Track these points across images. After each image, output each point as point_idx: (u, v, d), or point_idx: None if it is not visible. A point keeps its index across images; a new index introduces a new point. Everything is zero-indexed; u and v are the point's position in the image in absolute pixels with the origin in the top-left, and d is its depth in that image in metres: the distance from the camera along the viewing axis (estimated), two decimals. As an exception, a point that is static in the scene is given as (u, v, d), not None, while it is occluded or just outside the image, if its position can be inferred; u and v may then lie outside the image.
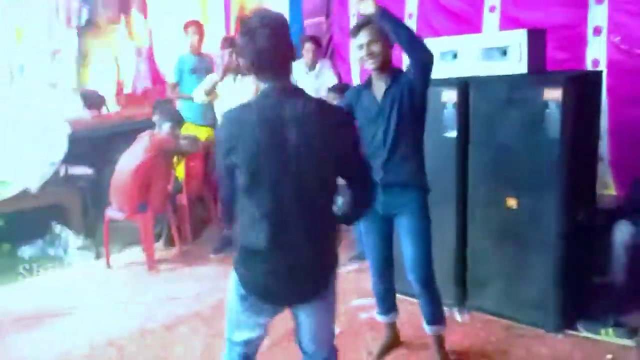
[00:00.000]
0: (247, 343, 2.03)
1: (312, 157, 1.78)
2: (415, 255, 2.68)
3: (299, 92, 1.86)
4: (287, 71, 1.85)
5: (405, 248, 2.71)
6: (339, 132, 1.87)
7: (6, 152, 4.69)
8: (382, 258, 2.83)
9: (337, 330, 3.18)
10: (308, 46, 5.46)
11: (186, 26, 5.43)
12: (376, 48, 2.57)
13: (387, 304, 2.98)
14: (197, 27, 5.42)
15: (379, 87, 2.66)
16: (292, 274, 1.86)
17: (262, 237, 1.81)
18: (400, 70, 2.71)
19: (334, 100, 5.01)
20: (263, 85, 1.84)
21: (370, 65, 2.62)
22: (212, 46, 6.58)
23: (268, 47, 1.76)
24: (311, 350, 2.09)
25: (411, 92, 2.58)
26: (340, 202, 2.04)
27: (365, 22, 2.59)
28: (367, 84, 2.73)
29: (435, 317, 2.83)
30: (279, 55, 1.80)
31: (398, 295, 3.04)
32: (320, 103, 1.92)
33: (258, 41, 1.75)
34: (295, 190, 1.79)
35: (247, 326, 1.99)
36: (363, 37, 2.58)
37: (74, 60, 5.59)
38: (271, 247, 1.82)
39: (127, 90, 6.20)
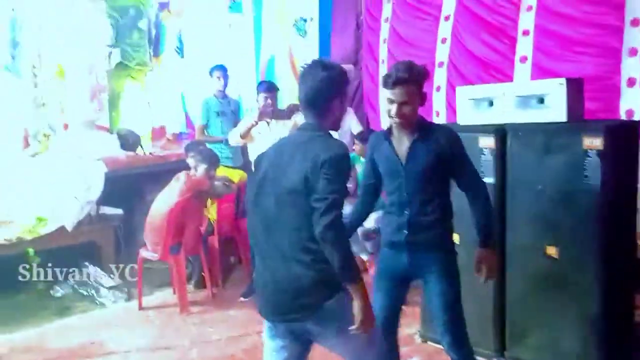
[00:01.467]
0: None
1: (289, 180, 2.01)
2: (445, 320, 2.55)
3: (307, 132, 2.11)
4: (311, 115, 2.11)
5: (436, 311, 2.58)
6: (314, 160, 1.98)
7: (45, 189, 4.78)
8: (385, 319, 2.59)
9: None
10: None
11: (211, 70, 5.56)
12: (407, 110, 2.45)
13: None
14: (222, 71, 5.53)
15: (401, 139, 2.56)
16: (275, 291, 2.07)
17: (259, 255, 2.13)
18: (429, 124, 2.61)
19: (358, 146, 5.08)
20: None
21: (395, 123, 2.51)
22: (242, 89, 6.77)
23: (304, 91, 2.09)
24: None
25: (443, 159, 2.48)
26: None
27: (403, 79, 2.44)
28: (388, 133, 2.62)
29: None
30: (309, 98, 2.09)
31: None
32: (317, 137, 2.08)
33: (300, 85, 2.11)
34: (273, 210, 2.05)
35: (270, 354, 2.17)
36: (398, 95, 2.44)
37: (106, 102, 5.73)
38: (261, 265, 2.12)
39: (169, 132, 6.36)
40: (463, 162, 2.57)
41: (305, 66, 2.14)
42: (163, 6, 6.22)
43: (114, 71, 5.77)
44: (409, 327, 3.67)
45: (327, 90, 2.07)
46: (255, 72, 6.99)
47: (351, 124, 5.60)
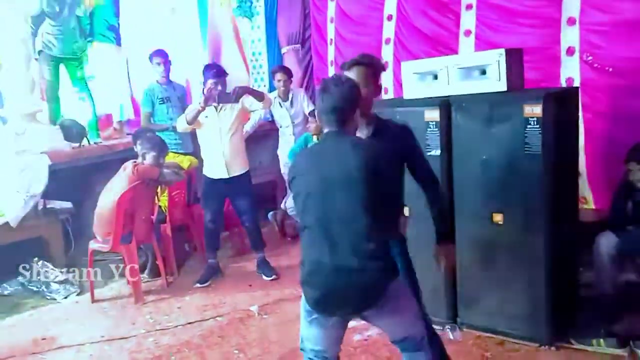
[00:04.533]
0: (317, 353, 2.28)
1: (345, 183, 2.13)
2: None
3: (343, 136, 2.25)
4: (338, 123, 2.25)
5: None
6: (366, 161, 2.15)
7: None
8: None
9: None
10: (278, 76, 5.49)
11: (151, 56, 5.40)
12: (363, 92, 2.39)
13: None
14: (161, 57, 5.39)
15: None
16: (341, 289, 2.14)
17: (315, 256, 2.17)
18: (385, 121, 2.59)
19: (313, 124, 5.07)
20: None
21: None
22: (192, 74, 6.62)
23: (331, 103, 2.23)
24: (399, 339, 2.32)
25: (397, 157, 2.46)
26: None
27: (359, 62, 2.50)
28: None
29: None
30: (334, 113, 2.24)
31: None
32: (354, 142, 2.27)
33: (321, 102, 2.26)
34: (336, 212, 2.13)
35: (315, 338, 2.26)
36: (354, 75, 2.46)
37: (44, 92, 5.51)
38: (322, 265, 2.14)
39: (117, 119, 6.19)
40: (415, 157, 2.59)
41: (328, 80, 2.31)
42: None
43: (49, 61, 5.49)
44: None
45: (351, 101, 2.25)
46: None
47: (303, 103, 5.63)
